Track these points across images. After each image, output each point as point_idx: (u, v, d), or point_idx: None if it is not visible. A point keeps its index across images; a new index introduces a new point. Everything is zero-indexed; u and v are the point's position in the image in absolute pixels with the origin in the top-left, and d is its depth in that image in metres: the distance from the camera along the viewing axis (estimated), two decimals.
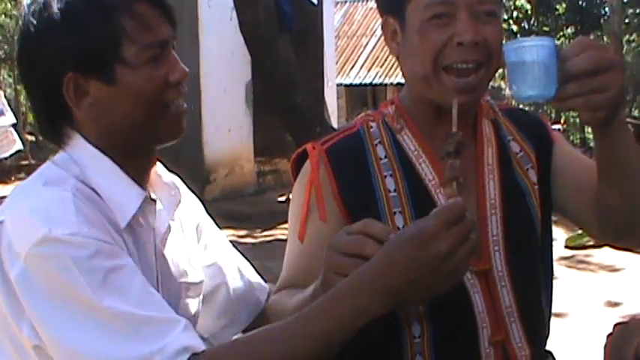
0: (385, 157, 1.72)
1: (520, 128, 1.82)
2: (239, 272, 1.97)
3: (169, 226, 1.75)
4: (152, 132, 1.60)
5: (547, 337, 1.80)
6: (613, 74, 1.41)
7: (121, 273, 1.47)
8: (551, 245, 1.82)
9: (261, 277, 2.04)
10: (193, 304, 1.83)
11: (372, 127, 1.76)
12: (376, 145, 1.73)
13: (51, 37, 1.53)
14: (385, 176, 1.70)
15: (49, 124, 1.63)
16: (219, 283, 1.92)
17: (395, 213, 1.67)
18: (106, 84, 1.54)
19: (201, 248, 1.89)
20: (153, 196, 1.69)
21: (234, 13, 7.97)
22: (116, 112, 1.56)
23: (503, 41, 1.61)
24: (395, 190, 1.69)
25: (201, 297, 1.86)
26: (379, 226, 1.45)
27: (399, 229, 1.60)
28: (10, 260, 1.45)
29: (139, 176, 1.64)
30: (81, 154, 1.60)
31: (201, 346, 1.45)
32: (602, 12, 25.87)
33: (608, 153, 1.56)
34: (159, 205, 1.71)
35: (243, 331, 2.03)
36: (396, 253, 1.34)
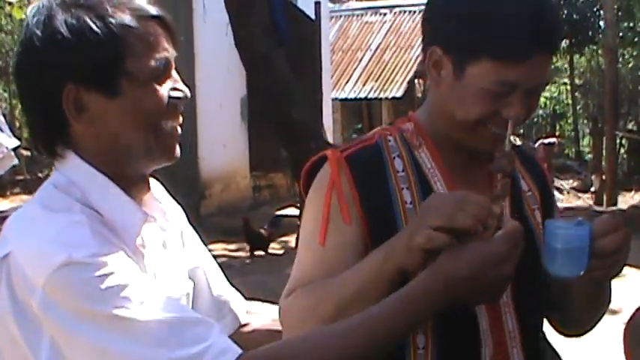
0: (403, 170, 1.75)
1: (526, 167, 1.89)
2: (220, 279, 1.98)
3: (164, 242, 1.75)
4: (146, 151, 1.59)
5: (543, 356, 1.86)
6: (627, 251, 1.58)
7: (146, 286, 1.48)
8: None
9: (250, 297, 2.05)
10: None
11: (389, 140, 1.79)
12: (394, 158, 1.76)
13: (54, 49, 1.52)
14: (402, 188, 1.73)
15: (44, 140, 1.62)
16: (202, 286, 1.93)
17: None
18: (108, 97, 1.53)
19: (186, 253, 1.89)
20: (149, 213, 1.68)
21: (230, 28, 7.97)
22: (114, 127, 1.56)
23: None
24: (411, 203, 1.71)
25: (190, 304, 1.86)
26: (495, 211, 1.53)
27: None
28: (27, 290, 1.43)
29: (136, 195, 1.65)
30: (80, 176, 1.59)
31: (238, 349, 1.47)
32: (597, 26, 25.93)
33: (591, 290, 1.77)
34: (159, 222, 1.72)
35: None
36: (475, 270, 1.45)
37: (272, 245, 10.73)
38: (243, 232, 10.57)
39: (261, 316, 2.00)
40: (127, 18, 1.54)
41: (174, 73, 1.62)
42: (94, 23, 1.52)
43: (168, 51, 1.59)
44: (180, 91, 1.61)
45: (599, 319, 1.91)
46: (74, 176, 1.59)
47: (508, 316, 1.73)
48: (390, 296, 1.49)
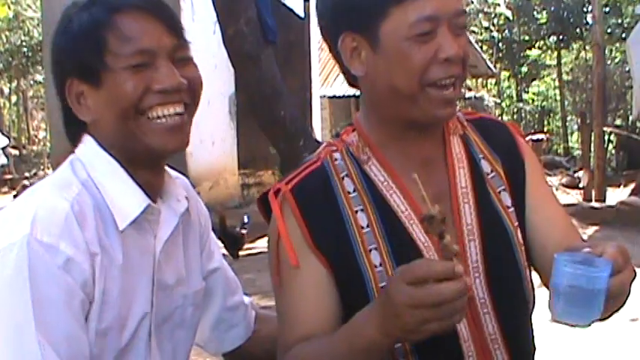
0: (354, 190, 1.65)
1: (489, 143, 1.76)
2: (236, 288, 2.03)
3: (172, 234, 1.77)
4: (132, 140, 1.65)
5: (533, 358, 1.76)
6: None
7: (64, 304, 1.54)
8: (531, 269, 1.75)
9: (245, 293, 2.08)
10: (192, 313, 1.86)
11: (336, 158, 1.69)
12: (343, 178, 1.66)
13: (56, 46, 1.70)
14: (356, 211, 1.63)
15: (65, 126, 1.76)
16: (217, 293, 1.97)
17: (370, 250, 1.61)
18: (94, 88, 1.63)
19: (205, 255, 1.95)
20: (159, 203, 1.74)
21: (218, 26, 7.95)
22: (103, 117, 1.65)
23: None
24: (368, 226, 1.62)
25: (200, 306, 1.89)
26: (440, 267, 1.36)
27: (375, 267, 1.60)
28: None
29: (147, 184, 1.70)
30: (89, 157, 1.69)
31: None
32: (584, 22, 26.02)
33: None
34: (164, 214, 1.75)
35: (228, 354, 2.06)
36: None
37: (259, 243, 10.58)
38: (219, 231, 9.25)
39: (269, 323, 2.01)
40: (102, 12, 1.63)
41: (166, 63, 1.64)
42: (79, 20, 1.64)
43: (149, 42, 1.62)
44: (166, 81, 1.62)
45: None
46: (84, 157, 1.69)
47: (487, 316, 1.64)
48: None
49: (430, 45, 1.55)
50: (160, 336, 1.76)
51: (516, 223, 1.71)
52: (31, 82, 30.35)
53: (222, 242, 9.54)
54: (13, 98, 32.86)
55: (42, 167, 21.99)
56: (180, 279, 1.80)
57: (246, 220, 10.17)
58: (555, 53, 29.10)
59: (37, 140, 30.73)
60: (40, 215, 1.55)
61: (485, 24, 26.60)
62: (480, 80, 26.96)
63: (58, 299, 1.53)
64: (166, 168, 1.82)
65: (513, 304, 1.68)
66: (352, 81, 1.71)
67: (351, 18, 1.60)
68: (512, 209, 1.71)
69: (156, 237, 1.73)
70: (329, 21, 1.68)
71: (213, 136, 13.37)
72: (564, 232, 1.74)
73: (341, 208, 1.64)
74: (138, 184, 1.68)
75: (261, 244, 10.67)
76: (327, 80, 19.75)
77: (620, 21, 25.47)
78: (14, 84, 30.77)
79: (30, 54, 27.44)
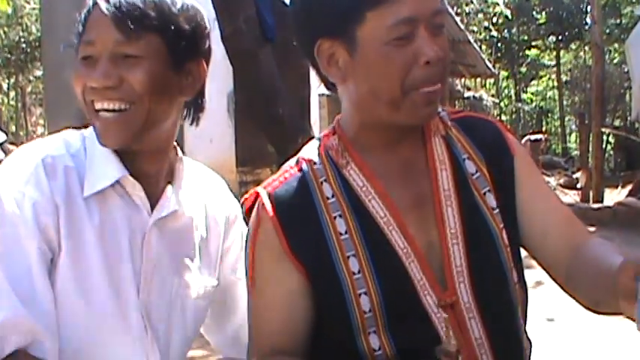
0: (333, 196, 1.62)
1: (475, 143, 1.71)
2: None
3: (172, 219, 1.82)
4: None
5: None
6: None
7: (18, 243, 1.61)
8: (522, 270, 1.73)
9: None
10: (193, 306, 1.88)
11: (315, 163, 1.66)
12: (321, 183, 1.63)
13: None
14: (335, 217, 1.60)
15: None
16: (240, 299, 1.98)
17: (349, 257, 1.58)
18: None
19: (229, 263, 1.99)
20: (169, 188, 1.81)
21: (216, 24, 7.94)
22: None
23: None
24: (346, 232, 1.59)
25: (206, 302, 1.92)
26: None
27: (354, 274, 1.57)
28: None
29: (135, 164, 1.76)
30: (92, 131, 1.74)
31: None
32: (583, 22, 26.03)
33: None
34: (167, 198, 1.80)
35: None
36: None
37: None
38: None
39: None
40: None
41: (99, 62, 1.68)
42: None
43: (99, 42, 1.67)
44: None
45: None
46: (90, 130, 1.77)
47: (473, 321, 1.60)
48: None
49: (409, 48, 1.52)
50: (153, 313, 1.78)
51: (502, 225, 1.67)
52: (30, 77, 30.33)
53: None
54: (12, 94, 32.86)
55: None
56: (180, 265, 1.83)
57: None
58: (554, 53, 29.10)
59: (35, 136, 30.70)
60: (12, 168, 1.68)
61: (485, 24, 26.58)
62: (478, 80, 26.93)
63: (19, 240, 1.61)
64: (199, 166, 2.03)
65: (499, 307, 1.65)
66: (331, 87, 1.69)
67: (326, 23, 1.57)
68: (497, 210, 1.67)
69: (146, 212, 1.77)
70: (304, 27, 1.64)
71: (211, 134, 13.35)
72: (565, 221, 1.71)
73: (319, 214, 1.62)
74: (121, 161, 1.73)
75: None
76: None
77: (618, 21, 25.48)
78: (12, 80, 30.76)
79: (28, 50, 27.42)
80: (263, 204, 1.62)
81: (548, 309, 5.93)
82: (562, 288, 1.69)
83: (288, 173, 1.67)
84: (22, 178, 1.65)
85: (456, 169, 1.67)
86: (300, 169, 1.66)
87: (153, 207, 1.78)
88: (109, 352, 1.73)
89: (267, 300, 1.63)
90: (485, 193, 1.68)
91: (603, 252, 1.58)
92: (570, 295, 1.67)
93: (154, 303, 1.78)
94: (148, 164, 1.78)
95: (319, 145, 1.70)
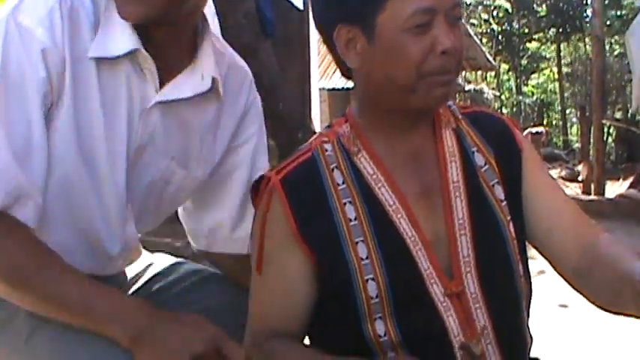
0: (343, 182, 1.65)
1: (484, 136, 1.74)
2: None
3: (179, 105, 1.81)
4: None
5: (528, 354, 1.75)
6: None
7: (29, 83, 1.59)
8: (527, 263, 1.74)
9: None
10: (172, 195, 1.91)
11: (327, 149, 1.68)
12: (332, 170, 1.66)
13: None
14: (345, 204, 1.63)
15: None
16: (242, 165, 2.01)
17: (357, 243, 1.61)
18: None
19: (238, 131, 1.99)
20: (186, 71, 1.78)
21: (216, 18, 7.94)
22: None
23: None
24: (356, 219, 1.62)
25: (187, 194, 1.96)
26: None
27: (362, 260, 1.60)
28: None
29: (150, 35, 1.72)
30: None
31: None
32: (584, 14, 26.02)
33: None
34: (181, 81, 1.78)
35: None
36: None
37: None
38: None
39: None
40: None
41: None
42: None
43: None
44: None
45: None
46: None
47: (479, 311, 1.63)
48: None
49: (427, 37, 1.55)
50: (132, 191, 1.80)
51: (509, 217, 1.69)
52: None
53: None
54: None
55: None
56: (175, 156, 1.84)
57: None
58: (554, 46, 29.09)
59: None
60: (28, 1, 1.61)
61: (485, 16, 26.58)
62: (479, 73, 26.94)
63: (22, 85, 1.59)
64: (229, 51, 1.96)
65: (505, 298, 1.67)
66: (347, 73, 1.72)
67: (346, 10, 1.60)
68: (504, 202, 1.70)
69: (155, 89, 1.76)
70: (324, 12, 1.67)
71: None
72: (573, 218, 1.74)
73: (329, 200, 1.64)
74: (136, 30, 1.69)
75: None
76: (326, 72, 19.73)
77: (619, 13, 25.46)
78: None
79: None
80: (274, 188, 1.64)
81: (555, 296, 5.95)
82: (569, 283, 1.71)
83: (299, 159, 1.69)
84: (36, 16, 1.60)
85: (465, 161, 1.70)
86: (312, 156, 1.68)
87: (163, 85, 1.77)
88: (88, 214, 1.75)
89: (271, 283, 1.67)
90: (493, 185, 1.71)
91: (618, 253, 1.60)
92: (578, 292, 1.69)
93: (135, 181, 1.79)
94: (165, 37, 1.75)
95: (330, 133, 1.72)
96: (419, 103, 1.60)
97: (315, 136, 1.76)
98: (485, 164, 1.72)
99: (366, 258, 1.60)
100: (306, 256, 1.63)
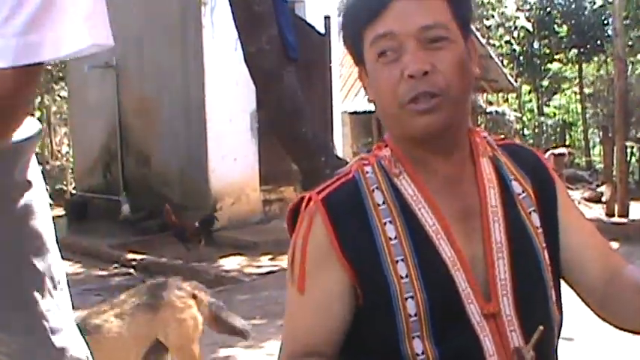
0: (383, 202, 1.68)
1: (520, 166, 1.78)
2: None
3: None
4: None
5: None
6: None
7: None
8: (560, 291, 1.77)
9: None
10: None
11: (367, 172, 1.72)
12: (373, 190, 1.69)
13: None
14: (385, 223, 1.66)
15: None
16: None
17: (397, 261, 1.63)
18: None
19: None
20: None
21: (239, 44, 7.99)
22: None
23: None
24: (396, 238, 1.64)
25: None
26: None
27: (402, 278, 1.62)
28: None
29: None
30: None
31: None
32: (605, 34, 25.91)
33: None
34: None
35: None
36: None
37: (282, 260, 10.62)
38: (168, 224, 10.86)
39: None
40: None
41: None
42: None
43: None
44: None
45: None
46: None
47: (514, 334, 1.64)
48: None
49: (397, 64, 1.60)
50: None
51: (544, 244, 1.73)
52: (55, 97, 30.55)
53: (173, 233, 10.83)
54: (37, 114, 33.10)
55: (65, 182, 22.08)
56: None
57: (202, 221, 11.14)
58: (576, 66, 28.96)
59: (59, 155, 30.89)
60: None
61: (506, 38, 26.51)
62: (500, 94, 26.86)
63: None
64: None
65: (539, 322, 1.67)
66: None
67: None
68: (540, 230, 1.73)
69: None
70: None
71: (235, 153, 13.41)
72: (601, 252, 1.78)
73: (370, 220, 1.66)
74: None
75: (284, 261, 10.66)
76: (347, 96, 19.77)
77: None
78: (38, 100, 31.02)
79: (54, 71, 27.64)
80: (316, 206, 1.68)
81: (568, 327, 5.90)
82: (595, 313, 1.76)
83: (340, 181, 1.73)
84: None
85: (503, 188, 1.73)
86: (353, 177, 1.73)
87: None
88: None
89: (309, 299, 1.68)
90: (530, 213, 1.74)
91: None
92: (604, 320, 1.74)
93: None
94: None
95: (371, 156, 1.76)
96: (409, 132, 1.65)
97: (354, 160, 1.80)
98: (522, 192, 1.75)
99: (406, 276, 1.62)
100: (347, 274, 1.64)
